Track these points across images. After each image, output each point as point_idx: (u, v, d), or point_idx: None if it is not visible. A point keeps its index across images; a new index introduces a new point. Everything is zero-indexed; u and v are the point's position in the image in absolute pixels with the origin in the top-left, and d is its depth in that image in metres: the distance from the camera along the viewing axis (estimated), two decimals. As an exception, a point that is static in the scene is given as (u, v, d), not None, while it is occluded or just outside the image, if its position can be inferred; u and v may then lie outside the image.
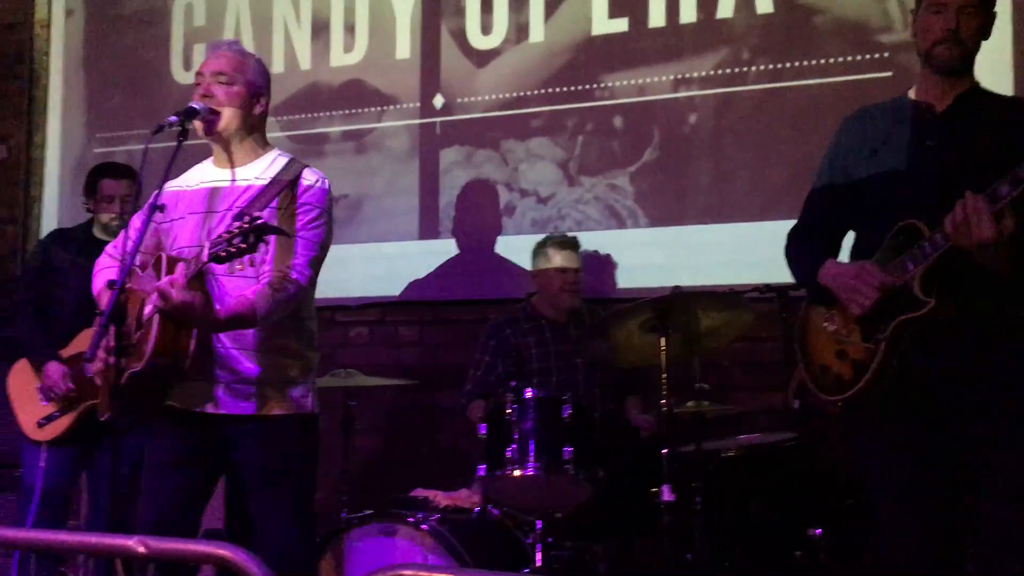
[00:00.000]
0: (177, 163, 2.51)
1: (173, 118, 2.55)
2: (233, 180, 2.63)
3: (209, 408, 2.51)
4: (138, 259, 2.61)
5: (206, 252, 2.32)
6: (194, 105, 2.58)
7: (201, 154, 2.77)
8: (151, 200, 2.53)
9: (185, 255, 2.52)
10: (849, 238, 2.48)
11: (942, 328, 2.19)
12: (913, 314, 2.18)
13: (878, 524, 2.35)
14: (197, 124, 2.59)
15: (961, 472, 2.22)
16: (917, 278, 2.18)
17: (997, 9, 2.37)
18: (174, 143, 2.51)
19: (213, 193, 2.62)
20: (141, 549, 1.65)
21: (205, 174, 2.69)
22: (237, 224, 2.27)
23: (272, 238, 2.42)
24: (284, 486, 2.54)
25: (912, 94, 2.40)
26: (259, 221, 2.25)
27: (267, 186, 2.54)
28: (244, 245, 2.24)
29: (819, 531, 2.95)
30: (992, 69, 3.20)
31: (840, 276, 2.30)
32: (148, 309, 2.46)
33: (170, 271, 2.44)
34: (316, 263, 2.57)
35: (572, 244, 3.78)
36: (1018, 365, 2.22)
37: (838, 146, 2.48)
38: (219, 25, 4.74)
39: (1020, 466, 2.17)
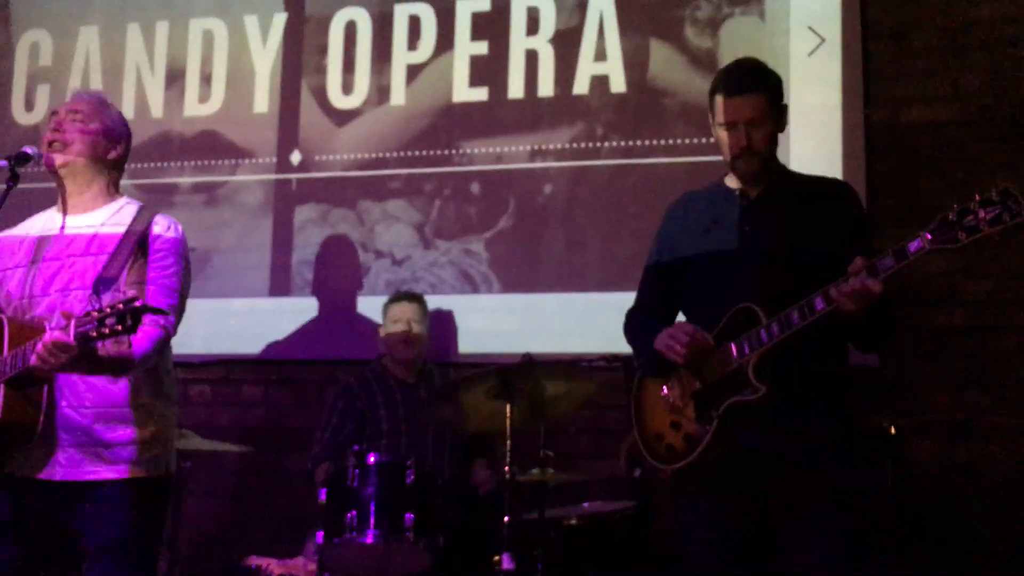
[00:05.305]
0: (27, 209, 2.34)
1: (2, 162, 2.44)
2: (63, 227, 2.48)
3: (55, 475, 2.33)
4: None
5: (72, 330, 2.11)
6: (26, 150, 2.46)
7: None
8: None
9: (12, 310, 2.37)
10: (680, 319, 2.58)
11: (768, 412, 2.29)
12: (745, 398, 2.28)
13: None
14: (43, 147, 2.45)
15: (774, 541, 2.32)
16: (751, 363, 2.28)
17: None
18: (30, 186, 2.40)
19: (42, 240, 2.47)
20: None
21: (47, 221, 2.54)
22: (110, 304, 2.08)
23: (122, 285, 2.30)
24: (126, 555, 2.36)
25: (728, 181, 2.52)
26: (137, 302, 2.06)
27: (120, 244, 2.39)
28: (120, 328, 2.06)
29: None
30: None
31: (663, 333, 2.40)
32: None
33: (14, 337, 2.25)
34: (175, 310, 2.43)
35: (408, 297, 3.82)
36: (831, 450, 2.33)
37: (665, 231, 2.60)
38: (66, 66, 4.56)
39: (831, 541, 2.27)
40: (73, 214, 2.49)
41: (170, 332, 2.39)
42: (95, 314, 2.08)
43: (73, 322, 2.11)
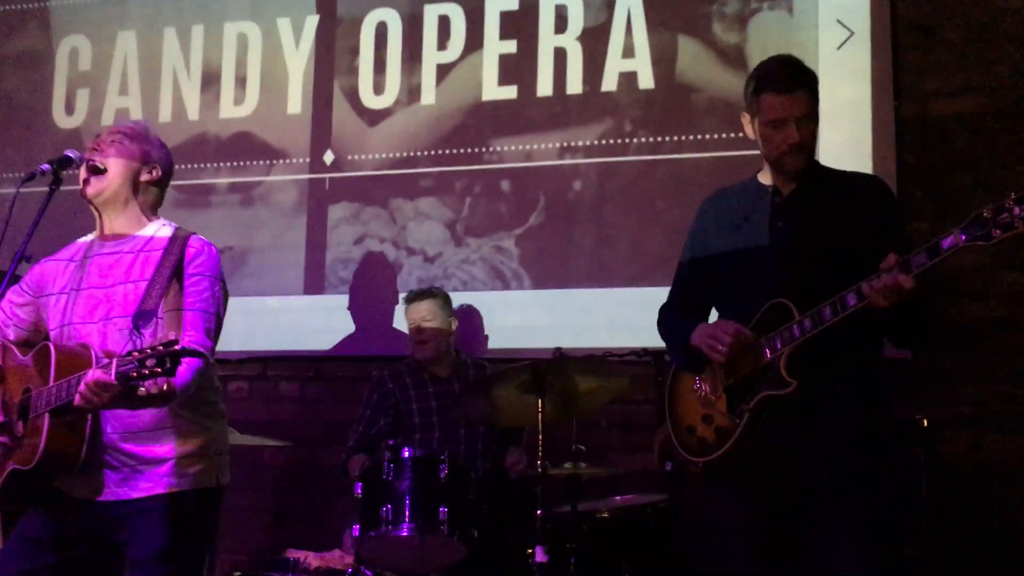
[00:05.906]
0: (69, 215, 2.37)
1: (45, 166, 2.46)
2: (102, 253, 2.49)
3: (104, 496, 2.37)
4: (11, 333, 2.50)
5: (113, 370, 2.14)
6: (69, 153, 2.48)
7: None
8: (16, 255, 2.41)
9: (53, 337, 2.41)
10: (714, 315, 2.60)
11: (798, 407, 2.31)
12: (776, 392, 2.30)
13: None
14: (81, 175, 2.47)
15: (799, 537, 2.33)
16: (783, 358, 2.30)
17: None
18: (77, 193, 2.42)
19: (83, 267, 2.49)
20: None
21: (87, 247, 2.54)
22: (150, 345, 2.11)
23: (161, 315, 2.32)
24: (166, 567, 2.38)
25: (762, 178, 2.54)
26: (176, 346, 2.09)
27: (157, 272, 2.40)
28: (159, 369, 2.08)
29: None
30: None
31: (701, 330, 2.42)
32: (37, 396, 2.32)
33: (61, 365, 2.29)
34: (212, 334, 2.43)
35: (417, 296, 3.82)
36: (859, 445, 2.35)
37: (697, 227, 2.61)
38: (105, 71, 4.66)
39: (854, 536, 2.28)
40: (110, 240, 2.50)
41: (209, 358, 2.39)
42: (136, 355, 2.10)
43: (115, 362, 2.13)
